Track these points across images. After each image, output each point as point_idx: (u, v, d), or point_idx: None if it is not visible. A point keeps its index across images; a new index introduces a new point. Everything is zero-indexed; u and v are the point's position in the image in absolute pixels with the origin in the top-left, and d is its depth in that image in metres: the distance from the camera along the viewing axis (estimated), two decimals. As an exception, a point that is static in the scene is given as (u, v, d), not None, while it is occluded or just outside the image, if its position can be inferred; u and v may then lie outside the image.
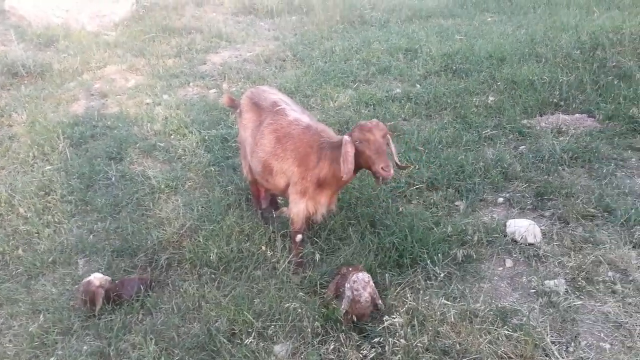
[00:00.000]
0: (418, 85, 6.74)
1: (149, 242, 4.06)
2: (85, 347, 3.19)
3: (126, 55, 8.96)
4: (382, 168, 3.06)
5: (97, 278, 3.51)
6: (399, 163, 3.47)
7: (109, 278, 3.60)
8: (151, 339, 3.15)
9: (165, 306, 3.49)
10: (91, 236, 4.31)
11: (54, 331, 3.33)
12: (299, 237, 3.67)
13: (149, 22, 10.56)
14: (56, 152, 5.63)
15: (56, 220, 4.50)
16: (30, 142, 5.82)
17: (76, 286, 3.69)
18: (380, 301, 3.14)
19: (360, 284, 3.07)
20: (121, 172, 5.20)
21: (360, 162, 3.21)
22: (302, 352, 3.00)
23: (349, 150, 3.17)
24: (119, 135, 5.93)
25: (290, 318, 3.19)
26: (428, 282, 3.37)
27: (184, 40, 9.58)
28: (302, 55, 8.46)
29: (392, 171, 3.09)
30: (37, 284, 3.85)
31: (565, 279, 3.31)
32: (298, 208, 3.57)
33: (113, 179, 5.08)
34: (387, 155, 3.13)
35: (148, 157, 5.55)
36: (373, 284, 3.15)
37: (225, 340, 3.09)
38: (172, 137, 5.91)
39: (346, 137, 3.21)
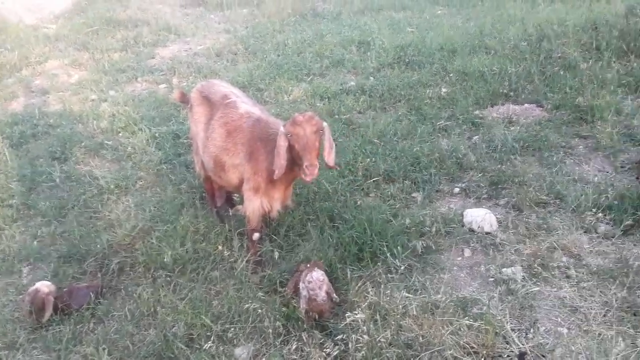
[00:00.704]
0: (372, 78, 6.74)
1: (98, 246, 3.87)
2: (32, 362, 3.00)
3: (68, 50, 8.55)
4: (305, 167, 2.97)
5: (45, 285, 3.32)
6: (328, 162, 3.27)
7: (55, 286, 3.40)
8: (104, 349, 2.99)
9: (118, 313, 3.33)
10: (35, 242, 4.06)
11: (-4, 346, 3.12)
12: (255, 235, 3.58)
13: (92, 15, 10.12)
14: (-6, 153, 5.30)
15: (-4, 226, 4.23)
16: (-35, 143, 5.45)
17: (21, 296, 3.47)
18: (335, 294, 3.11)
19: (316, 284, 3.03)
20: (66, 172, 4.94)
21: (293, 157, 3.12)
22: (264, 354, 2.92)
23: (281, 144, 3.09)
24: (62, 134, 5.64)
25: (250, 319, 3.11)
26: (389, 275, 3.35)
27: (130, 33, 9.24)
28: (254, 48, 8.31)
29: (315, 172, 2.98)
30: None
31: (522, 266, 3.36)
32: (253, 205, 3.47)
33: (57, 180, 4.82)
34: (315, 153, 3.04)
35: (95, 156, 5.30)
36: (327, 281, 3.12)
37: (183, 346, 2.97)
38: (120, 134, 5.67)
39: (281, 129, 3.13)
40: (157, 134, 5.49)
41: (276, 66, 7.28)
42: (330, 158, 3.24)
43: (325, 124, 3.16)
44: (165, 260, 3.59)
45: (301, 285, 3.05)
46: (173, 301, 3.30)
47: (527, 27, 7.54)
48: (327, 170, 4.51)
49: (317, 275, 3.06)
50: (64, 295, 3.38)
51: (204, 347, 2.92)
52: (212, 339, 2.97)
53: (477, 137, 5.09)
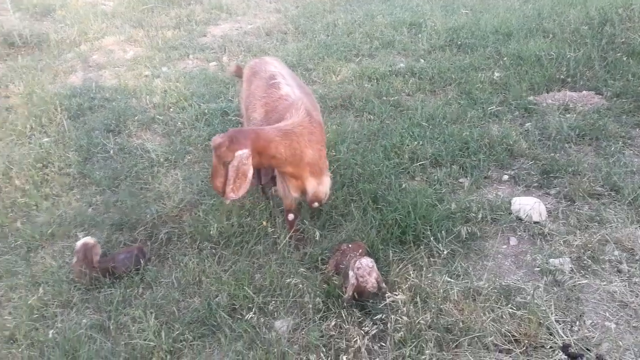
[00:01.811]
0: (422, 60, 6.61)
1: (148, 216, 4.01)
2: (85, 320, 3.16)
3: (124, 26, 8.78)
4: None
5: (90, 238, 3.55)
6: (227, 194, 2.92)
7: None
8: (151, 312, 3.12)
9: (165, 280, 3.46)
10: (90, 209, 4.26)
11: (53, 304, 3.31)
12: (290, 215, 3.59)
13: (148, -8, 10.33)
14: (54, 124, 5.54)
15: (54, 192, 4.45)
16: (28, 113, 5.73)
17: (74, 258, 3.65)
18: (384, 284, 3.10)
19: (366, 270, 3.02)
20: (120, 144, 5.12)
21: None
22: (303, 328, 2.97)
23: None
24: (117, 107, 5.83)
25: (291, 294, 3.16)
26: (431, 259, 3.32)
27: (183, 11, 9.39)
28: (304, 28, 8.29)
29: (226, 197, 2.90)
30: (36, 257, 3.81)
31: (571, 257, 3.26)
32: (282, 187, 3.50)
33: (111, 151, 5.01)
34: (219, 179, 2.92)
35: (147, 130, 5.47)
36: (376, 267, 3.10)
37: (225, 315, 3.06)
38: (171, 110, 5.82)
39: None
40: (206, 110, 5.59)
41: (325, 46, 7.25)
42: (229, 189, 2.88)
43: (239, 152, 2.82)
44: (211, 232, 3.68)
45: (350, 272, 3.04)
46: (217, 272, 3.39)
47: (589, 10, 7.17)
48: (372, 151, 4.52)
49: (366, 262, 3.05)
50: (109, 260, 3.53)
51: (246, 318, 3.00)
52: (253, 310, 3.05)
53: (529, 123, 4.92)
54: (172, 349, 2.92)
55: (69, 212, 4.21)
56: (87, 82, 6.67)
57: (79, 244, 3.52)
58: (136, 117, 5.60)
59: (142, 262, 3.55)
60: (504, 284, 3.10)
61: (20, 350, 2.98)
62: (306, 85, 3.79)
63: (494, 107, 5.21)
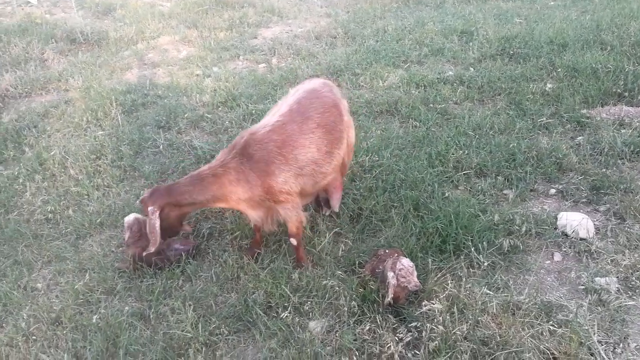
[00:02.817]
0: (472, 69, 6.51)
1: (195, 211, 4.11)
2: (127, 308, 3.28)
3: (179, 27, 9.06)
4: None
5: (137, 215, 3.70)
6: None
7: None
8: (190, 304, 3.21)
9: (205, 274, 3.54)
10: (137, 201, 4.40)
11: (98, 290, 3.45)
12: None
13: (203, -5, 10.62)
14: (108, 118, 5.78)
15: (105, 183, 4.63)
16: (85, 107, 5.99)
17: (121, 248, 3.80)
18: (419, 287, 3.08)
19: (408, 271, 3.00)
20: (169, 140, 5.29)
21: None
22: (337, 330, 2.98)
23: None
24: (168, 104, 6.02)
25: (327, 295, 3.18)
26: (471, 270, 3.27)
27: (236, 13, 9.60)
28: (354, 33, 8.31)
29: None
30: (84, 244, 3.98)
31: (618, 277, 3.13)
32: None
33: (161, 147, 5.17)
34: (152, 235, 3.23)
35: (195, 127, 5.62)
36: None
37: (261, 312, 3.11)
38: (219, 109, 5.95)
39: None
40: (253, 111, 5.69)
41: (374, 52, 7.25)
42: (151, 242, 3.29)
43: (149, 209, 3.23)
44: (251, 229, 3.75)
45: (389, 274, 3.02)
46: (255, 269, 3.45)
47: (652, 23, 6.88)
48: (415, 158, 4.48)
49: (407, 263, 3.04)
50: (162, 245, 3.59)
51: (281, 316, 3.04)
52: (289, 309, 3.09)
53: (581, 137, 4.76)
54: (208, 341, 2.99)
55: (118, 203, 4.37)
56: (142, 79, 6.92)
57: (130, 217, 3.64)
58: (186, 115, 5.76)
59: (190, 259, 3.65)
60: (545, 300, 3.01)
61: (64, 332, 3.12)
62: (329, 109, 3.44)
63: (545, 119, 5.07)
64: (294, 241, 3.42)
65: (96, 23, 9.14)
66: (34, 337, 3.09)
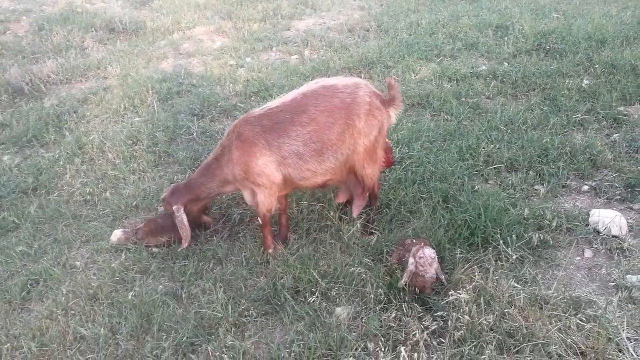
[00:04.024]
0: (506, 64, 6.42)
1: (223, 196, 4.21)
2: (160, 287, 3.40)
3: (214, 17, 9.19)
4: None
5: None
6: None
7: None
8: (220, 286, 3.30)
9: (235, 258, 3.63)
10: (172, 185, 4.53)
11: (133, 269, 3.58)
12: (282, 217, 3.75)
13: (238, -14, 10.73)
14: (145, 105, 5.94)
15: (141, 168, 4.78)
16: (122, 94, 6.17)
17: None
18: (443, 276, 3.09)
19: (427, 260, 3.03)
20: (202, 128, 5.40)
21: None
22: (363, 317, 3.03)
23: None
24: (202, 93, 6.14)
25: (354, 282, 3.23)
26: (499, 262, 3.27)
27: (270, 5, 9.68)
28: (387, 26, 8.28)
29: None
30: (120, 225, 4.12)
31: (650, 276, 3.09)
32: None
33: (194, 134, 5.30)
34: None
35: (228, 116, 5.72)
36: (437, 261, 3.10)
37: (289, 296, 3.18)
38: (252, 99, 6.04)
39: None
40: (285, 101, 5.75)
41: (407, 45, 7.22)
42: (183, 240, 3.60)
43: (174, 207, 3.52)
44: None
45: (410, 259, 3.07)
46: (284, 254, 3.52)
47: (697, 20, 6.65)
48: (446, 151, 4.48)
49: (429, 252, 3.05)
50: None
51: (309, 301, 3.10)
52: (316, 294, 3.14)
53: (617, 134, 4.67)
54: (237, 322, 3.08)
55: (152, 187, 4.51)
56: (177, 69, 7.07)
57: (118, 234, 3.86)
58: (219, 104, 5.87)
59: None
60: (574, 295, 3.00)
61: (101, 308, 3.26)
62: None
63: (580, 115, 4.98)
64: (260, 220, 3.55)
65: (134, 13, 9.35)
66: (72, 312, 3.23)
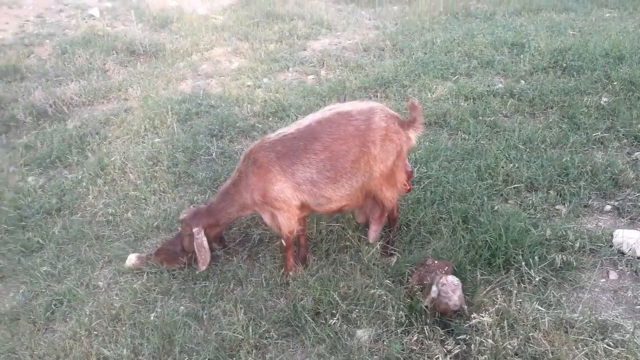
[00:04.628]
0: (523, 81, 6.42)
1: (242, 217, 4.24)
2: (182, 308, 3.43)
3: (232, 39, 9.34)
4: None
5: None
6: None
7: None
8: (241, 307, 3.32)
9: (255, 279, 3.65)
10: (192, 206, 4.57)
11: (155, 290, 3.62)
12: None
13: (255, 8, 10.91)
14: (165, 126, 6.04)
15: (161, 189, 4.84)
16: (143, 115, 6.28)
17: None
18: (465, 306, 3.07)
19: (450, 287, 3.02)
20: (221, 148, 5.47)
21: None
22: (385, 340, 3.01)
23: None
24: (221, 114, 6.22)
25: (374, 304, 3.22)
26: (521, 285, 3.23)
27: (286, 26, 9.81)
28: (402, 45, 8.35)
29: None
30: (141, 246, 4.18)
31: (678, 299, 3.03)
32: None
33: (214, 154, 5.36)
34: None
35: (247, 136, 5.79)
36: (461, 287, 3.08)
37: (310, 318, 3.18)
38: (269, 119, 6.11)
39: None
40: (302, 121, 5.80)
41: (422, 64, 7.26)
42: (200, 262, 3.61)
43: (194, 230, 3.57)
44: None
45: (433, 287, 3.06)
46: (304, 275, 3.53)
47: None
48: (464, 171, 4.47)
49: (452, 279, 3.06)
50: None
51: (329, 323, 3.10)
52: (337, 316, 3.14)
53: (639, 152, 4.62)
54: (258, 344, 3.09)
55: (173, 207, 4.56)
56: (196, 90, 7.18)
57: (133, 259, 3.90)
58: (237, 124, 5.95)
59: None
60: (600, 318, 2.95)
61: (124, 328, 3.29)
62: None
63: (600, 133, 4.95)
64: (283, 242, 3.57)
65: (154, 35, 9.54)
66: (95, 332, 3.27)
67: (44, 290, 3.74)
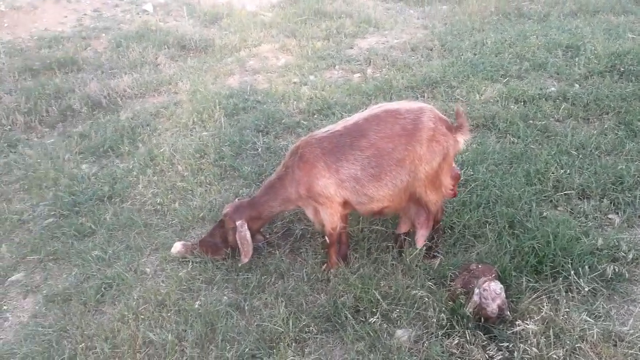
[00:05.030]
0: (577, 85, 6.21)
1: (284, 213, 4.28)
2: (224, 298, 3.50)
3: (279, 36, 9.44)
4: None
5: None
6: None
7: None
8: (282, 301, 3.36)
9: (297, 273, 3.69)
10: (237, 199, 4.66)
11: (199, 279, 3.71)
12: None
13: (303, 5, 10.99)
14: (212, 120, 6.17)
15: (208, 181, 4.95)
16: (192, 109, 6.43)
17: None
18: (508, 312, 3.01)
19: (491, 295, 2.98)
20: (267, 144, 5.54)
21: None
22: (425, 341, 2.99)
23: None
24: (267, 110, 6.31)
25: (415, 305, 3.20)
26: (569, 294, 3.14)
27: (333, 23, 9.83)
28: (451, 45, 8.22)
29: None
30: (187, 236, 4.29)
31: None
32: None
33: (259, 149, 5.44)
34: None
35: (292, 133, 5.84)
36: (504, 296, 3.02)
37: (350, 315, 3.19)
38: (315, 116, 6.14)
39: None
40: (347, 119, 5.81)
41: (471, 65, 7.13)
42: (242, 255, 3.64)
43: (238, 222, 3.61)
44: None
45: (476, 290, 3.03)
46: (345, 273, 3.54)
47: None
48: (512, 175, 4.37)
49: (495, 287, 3.02)
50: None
51: (369, 321, 3.10)
52: (377, 315, 3.14)
53: (700, 163, 4.40)
54: (297, 338, 3.13)
55: (218, 199, 4.66)
56: (243, 85, 7.31)
57: (178, 246, 4.00)
58: (283, 120, 6.01)
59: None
60: (652, 333, 2.83)
61: (169, 314, 3.39)
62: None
63: (658, 141, 4.74)
64: (327, 239, 3.62)
65: (204, 31, 9.76)
66: (142, 316, 3.38)
67: (94, 274, 3.90)
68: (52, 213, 4.72)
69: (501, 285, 3.06)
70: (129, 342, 3.17)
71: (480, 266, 3.31)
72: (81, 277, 3.91)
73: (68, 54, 8.60)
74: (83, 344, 3.20)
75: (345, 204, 3.47)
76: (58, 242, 4.34)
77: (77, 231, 4.43)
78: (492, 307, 2.98)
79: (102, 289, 3.73)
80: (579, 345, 2.75)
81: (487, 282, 3.05)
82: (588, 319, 2.93)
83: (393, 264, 3.60)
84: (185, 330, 3.23)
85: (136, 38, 9.17)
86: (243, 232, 3.62)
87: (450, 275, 3.40)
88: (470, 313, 3.03)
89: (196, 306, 3.41)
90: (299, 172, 3.44)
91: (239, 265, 3.73)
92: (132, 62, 8.31)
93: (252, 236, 3.71)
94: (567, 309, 2.99)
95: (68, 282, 3.88)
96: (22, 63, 8.22)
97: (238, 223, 3.64)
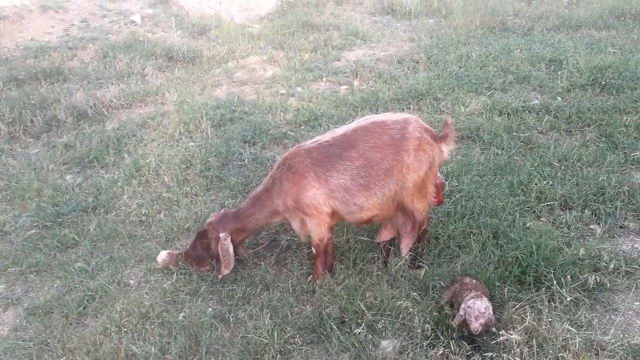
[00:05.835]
0: (559, 98, 6.32)
1: (269, 225, 4.27)
2: (209, 310, 3.48)
3: (267, 47, 9.48)
4: None
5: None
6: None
7: None
8: (267, 312, 3.35)
9: (282, 284, 3.68)
10: (222, 210, 4.64)
11: (183, 290, 3.68)
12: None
13: (291, 17, 11.06)
14: (199, 130, 6.16)
15: (193, 192, 4.93)
16: (178, 119, 6.42)
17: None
18: (494, 329, 2.99)
19: (474, 313, 2.93)
20: (253, 155, 5.54)
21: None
22: (410, 352, 3.00)
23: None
24: (254, 121, 6.31)
25: (400, 316, 3.21)
26: (552, 303, 3.17)
27: (321, 36, 9.90)
28: (437, 58, 8.32)
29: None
30: (172, 247, 4.26)
31: None
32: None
33: (246, 160, 5.44)
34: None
35: (279, 144, 5.85)
36: (491, 314, 2.96)
37: (335, 327, 3.18)
38: (302, 127, 6.16)
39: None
40: (334, 131, 5.84)
41: (456, 77, 7.22)
42: (222, 266, 3.63)
43: (221, 234, 3.59)
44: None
45: (462, 304, 3.02)
46: (330, 284, 3.54)
47: None
48: (496, 186, 4.42)
49: (479, 306, 2.94)
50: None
51: (354, 332, 3.10)
52: (362, 325, 3.14)
53: (680, 175, 4.49)
54: (282, 349, 3.12)
55: (204, 210, 4.64)
56: (230, 96, 7.31)
57: (163, 255, 3.96)
58: (270, 132, 6.02)
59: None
60: (632, 342, 2.87)
61: (152, 327, 3.35)
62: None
63: (638, 153, 4.82)
64: (314, 250, 3.60)
65: (192, 42, 9.77)
66: (125, 329, 3.34)
67: (77, 286, 3.85)
68: (35, 224, 4.66)
69: (487, 304, 2.97)
70: (111, 355, 3.13)
71: (474, 281, 3.28)
72: (63, 289, 3.86)
73: (54, 64, 8.53)
74: (64, 358, 3.16)
75: (333, 214, 3.48)
76: (40, 253, 4.28)
77: (60, 242, 4.38)
78: (475, 325, 2.92)
79: (85, 301, 3.69)
80: (561, 354, 2.77)
81: (472, 300, 3.00)
82: (570, 328, 2.95)
83: (378, 275, 3.61)
84: (169, 343, 3.20)
85: (123, 49, 9.14)
86: (226, 245, 3.60)
87: (435, 286, 3.42)
88: (455, 325, 3.03)
89: (180, 318, 3.38)
90: (287, 183, 3.45)
91: (219, 277, 3.70)
92: (119, 72, 8.29)
93: (235, 249, 3.69)
94: (550, 319, 3.01)
95: (50, 294, 3.83)
96: (7, 73, 8.14)
97: (222, 235, 3.62)
